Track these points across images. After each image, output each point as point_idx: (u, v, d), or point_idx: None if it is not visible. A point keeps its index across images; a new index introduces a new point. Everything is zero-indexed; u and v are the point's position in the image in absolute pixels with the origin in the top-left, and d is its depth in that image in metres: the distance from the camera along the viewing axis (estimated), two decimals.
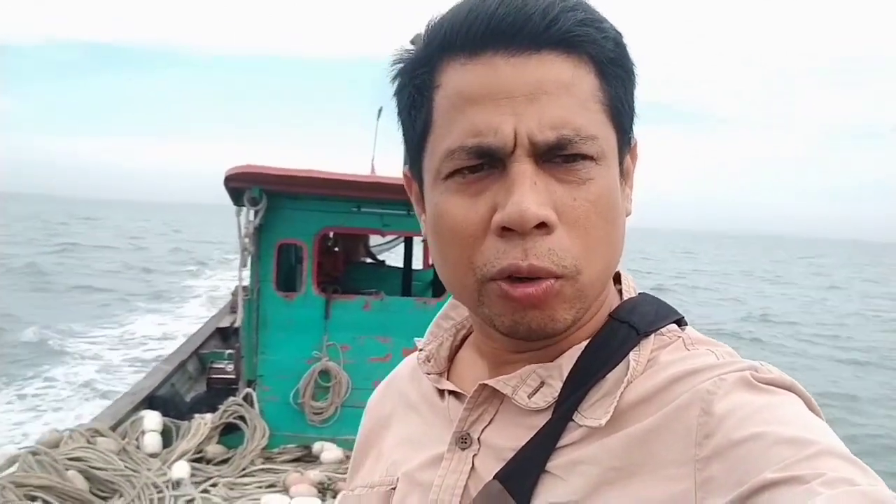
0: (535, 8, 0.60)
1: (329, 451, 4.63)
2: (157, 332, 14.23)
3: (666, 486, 0.57)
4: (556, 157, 0.61)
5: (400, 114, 0.70)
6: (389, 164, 6.69)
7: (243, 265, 4.77)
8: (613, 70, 0.64)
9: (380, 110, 7.19)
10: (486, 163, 0.61)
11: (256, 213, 4.60)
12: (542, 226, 0.60)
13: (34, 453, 3.99)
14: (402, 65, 0.68)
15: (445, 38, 0.63)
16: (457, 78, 0.62)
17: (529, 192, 0.59)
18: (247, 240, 4.65)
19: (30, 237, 39.58)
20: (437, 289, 5.63)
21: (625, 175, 0.69)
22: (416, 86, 0.66)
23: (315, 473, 4.30)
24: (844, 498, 0.48)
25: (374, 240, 7.29)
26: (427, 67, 0.65)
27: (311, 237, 4.84)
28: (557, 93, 0.60)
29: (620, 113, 0.65)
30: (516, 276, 0.61)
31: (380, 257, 8.13)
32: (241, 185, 4.59)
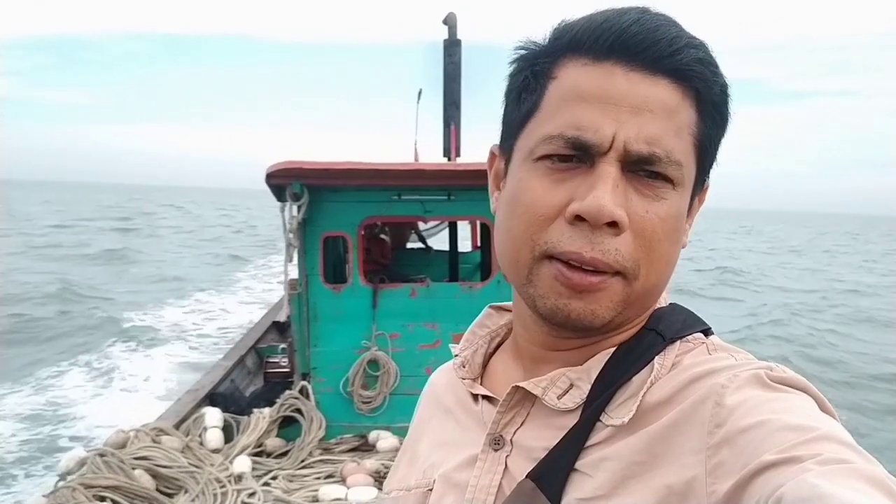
0: (664, 35, 0.65)
1: (385, 440, 4.66)
2: None
3: (681, 474, 0.61)
4: (642, 170, 0.66)
5: (508, 94, 0.75)
6: (431, 146, 6.65)
7: (289, 259, 4.82)
8: (712, 112, 0.69)
9: (419, 92, 7.18)
10: (578, 156, 0.66)
11: (299, 207, 4.64)
12: (613, 225, 0.64)
13: (101, 454, 4.13)
14: (524, 52, 0.73)
15: (575, 37, 0.68)
16: (575, 75, 0.67)
17: (611, 191, 0.64)
18: (291, 234, 4.69)
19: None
20: (485, 272, 5.59)
21: (690, 212, 0.73)
22: (534, 72, 0.71)
23: (371, 462, 4.34)
24: (836, 472, 0.50)
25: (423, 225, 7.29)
26: (549, 59, 0.70)
27: (354, 228, 4.85)
28: (660, 114, 0.65)
29: (706, 152, 0.70)
30: (574, 263, 0.65)
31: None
32: (283, 182, 4.63)
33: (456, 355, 0.85)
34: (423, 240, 7.91)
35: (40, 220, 42.32)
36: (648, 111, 0.65)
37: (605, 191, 0.64)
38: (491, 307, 0.87)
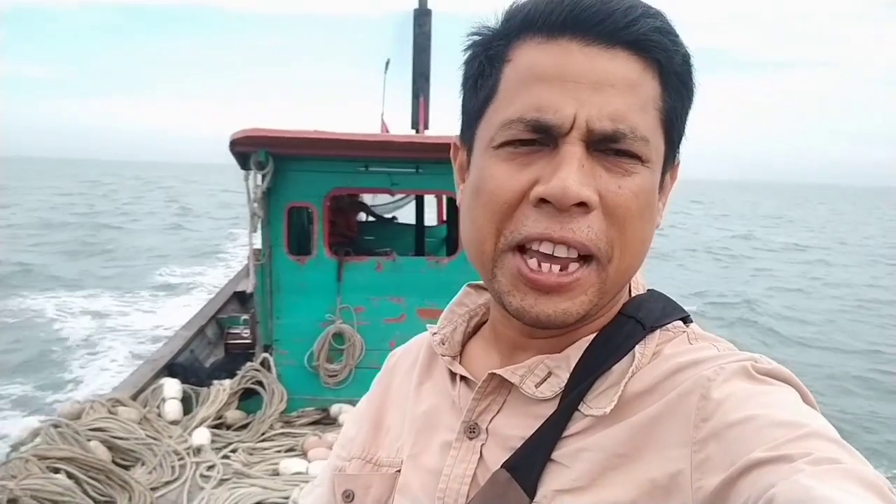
0: (618, 6, 0.63)
1: (347, 414, 4.64)
2: None
3: (665, 467, 0.60)
4: (608, 149, 0.63)
5: (465, 83, 0.72)
6: (398, 118, 6.57)
7: (253, 230, 4.73)
8: (676, 84, 0.66)
9: (387, 63, 7.06)
10: (540, 139, 0.64)
11: (264, 176, 4.54)
12: (582, 205, 0.62)
13: (56, 425, 4.02)
14: (478, 37, 0.71)
15: (528, 16, 0.66)
16: (530, 55, 0.65)
17: (576, 172, 0.62)
18: (255, 204, 4.59)
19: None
20: (451, 246, 5.57)
21: (662, 190, 0.71)
22: (488, 56, 0.69)
23: (333, 436, 4.31)
24: (828, 473, 0.50)
25: (384, 198, 7.20)
26: (503, 41, 0.68)
27: (320, 199, 4.77)
28: (622, 89, 0.63)
29: (673, 125, 0.67)
30: (543, 251, 0.63)
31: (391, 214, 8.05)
32: (247, 149, 4.52)
33: (434, 333, 0.82)
34: (373, 214, 7.81)
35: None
36: (610, 86, 0.63)
37: (569, 172, 0.61)
38: (469, 286, 0.85)
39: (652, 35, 0.64)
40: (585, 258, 0.64)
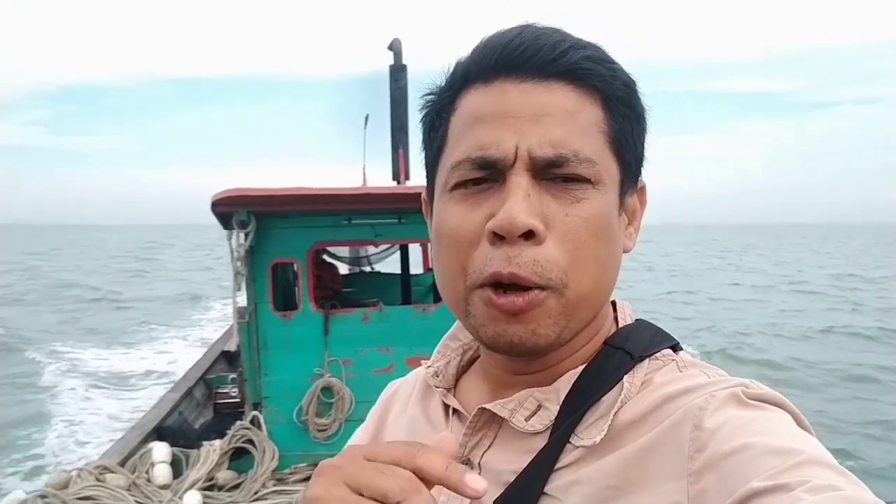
0: (546, 42, 0.65)
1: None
2: None
3: (662, 500, 0.59)
4: (555, 176, 0.65)
5: (423, 140, 0.76)
6: (379, 172, 6.65)
7: (237, 288, 4.74)
8: (620, 108, 0.68)
9: (366, 118, 7.18)
10: (489, 176, 0.66)
11: (247, 235, 4.57)
12: (530, 235, 0.63)
13: (43, 496, 3.96)
14: (430, 95, 0.74)
15: (466, 67, 0.69)
16: (471, 101, 0.68)
17: (522, 202, 0.63)
18: (239, 263, 4.62)
19: None
20: (437, 294, 5.58)
21: (629, 214, 0.72)
22: (436, 111, 0.72)
23: None
24: (827, 501, 0.49)
25: (370, 249, 7.25)
26: (449, 94, 0.71)
27: (304, 254, 4.81)
28: (560, 117, 0.65)
29: (624, 147, 0.68)
30: (501, 284, 0.64)
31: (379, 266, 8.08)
32: (229, 210, 4.57)
33: (428, 366, 0.83)
34: (356, 264, 7.82)
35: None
36: (548, 116, 0.64)
37: (514, 202, 0.63)
38: None
39: (583, 63, 0.65)
40: (540, 287, 0.64)
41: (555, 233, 0.64)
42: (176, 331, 16.88)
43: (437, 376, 0.81)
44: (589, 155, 0.65)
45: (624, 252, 0.72)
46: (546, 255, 0.63)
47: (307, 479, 4.61)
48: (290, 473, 4.68)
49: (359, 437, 0.90)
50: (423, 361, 0.85)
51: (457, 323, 0.84)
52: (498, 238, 0.63)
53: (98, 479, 4.29)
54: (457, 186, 0.67)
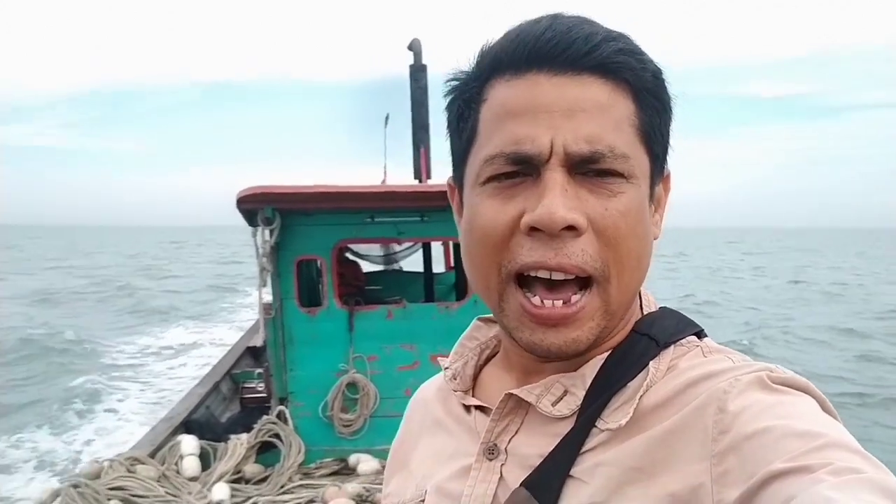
0: (578, 34, 0.65)
1: (365, 463, 4.64)
2: None
3: (685, 482, 0.60)
4: (589, 170, 0.65)
5: (449, 126, 0.76)
6: (401, 172, 6.70)
7: (263, 284, 4.81)
8: (649, 99, 0.68)
9: (387, 117, 7.23)
10: (522, 170, 0.66)
11: (271, 232, 4.63)
12: (572, 229, 0.63)
13: (75, 486, 4.06)
14: (455, 82, 0.74)
15: (496, 57, 0.69)
16: (502, 92, 0.68)
17: (560, 197, 0.63)
18: (264, 259, 4.68)
19: None
20: (460, 292, 5.63)
21: (655, 202, 0.73)
22: (464, 99, 0.72)
23: (353, 486, 4.32)
24: (850, 484, 0.49)
25: (395, 247, 7.30)
26: (477, 83, 0.71)
27: (328, 251, 4.86)
28: (594, 112, 0.65)
29: (653, 139, 0.69)
30: (540, 280, 0.65)
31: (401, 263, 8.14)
32: (254, 206, 4.63)
33: (446, 368, 0.84)
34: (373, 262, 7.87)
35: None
36: (582, 111, 0.64)
37: (552, 197, 0.63)
38: (479, 319, 0.87)
39: (616, 57, 0.65)
40: (585, 284, 0.66)
41: (595, 228, 0.65)
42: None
43: (455, 379, 0.82)
44: (623, 150, 0.65)
45: (654, 239, 0.72)
46: (591, 247, 0.65)
47: (333, 473, 4.70)
48: (316, 468, 4.73)
49: (394, 448, 0.92)
50: (443, 362, 0.86)
51: (473, 322, 0.86)
52: (536, 231, 0.64)
53: (129, 471, 4.38)
54: (489, 180, 0.68)
